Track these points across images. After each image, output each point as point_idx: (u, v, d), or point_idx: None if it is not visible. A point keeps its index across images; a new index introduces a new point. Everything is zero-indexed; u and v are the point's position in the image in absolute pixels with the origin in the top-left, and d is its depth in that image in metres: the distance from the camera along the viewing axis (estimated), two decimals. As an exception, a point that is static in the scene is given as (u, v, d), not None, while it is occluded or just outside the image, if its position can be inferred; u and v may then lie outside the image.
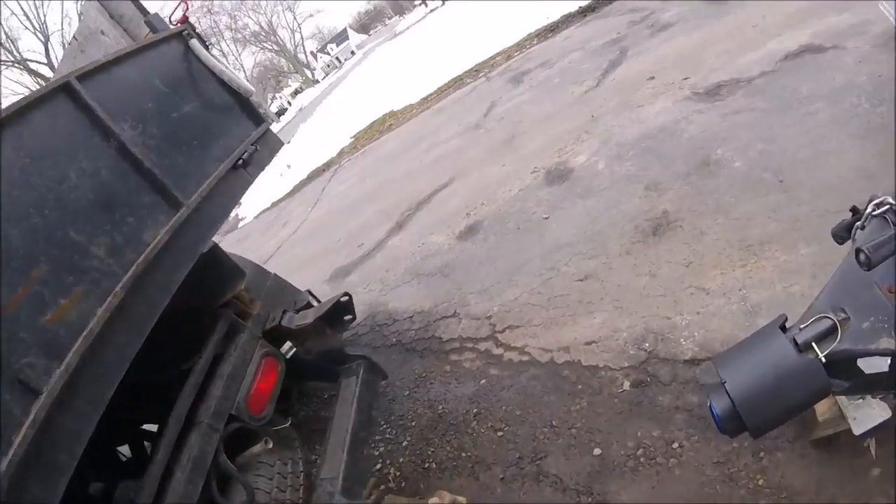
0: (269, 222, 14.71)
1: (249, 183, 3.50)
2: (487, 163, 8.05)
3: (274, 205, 16.38)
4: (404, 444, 3.99)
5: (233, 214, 16.81)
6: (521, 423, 3.77)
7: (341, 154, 16.22)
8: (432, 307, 5.37)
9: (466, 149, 9.27)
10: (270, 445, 3.25)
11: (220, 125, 3.44)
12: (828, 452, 2.70)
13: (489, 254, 5.79)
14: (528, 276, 5.06)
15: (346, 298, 3.91)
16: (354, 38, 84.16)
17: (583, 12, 13.01)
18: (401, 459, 3.87)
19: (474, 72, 14.21)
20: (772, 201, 4.27)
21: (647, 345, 3.75)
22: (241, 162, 3.33)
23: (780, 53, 6.04)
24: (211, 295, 3.45)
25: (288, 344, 3.70)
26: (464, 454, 3.77)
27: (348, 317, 4.07)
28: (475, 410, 4.02)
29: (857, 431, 2.19)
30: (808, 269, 3.59)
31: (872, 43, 5.08)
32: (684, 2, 9.50)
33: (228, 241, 13.66)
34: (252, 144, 3.49)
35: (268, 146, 3.78)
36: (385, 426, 4.20)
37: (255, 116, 3.70)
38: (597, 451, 3.34)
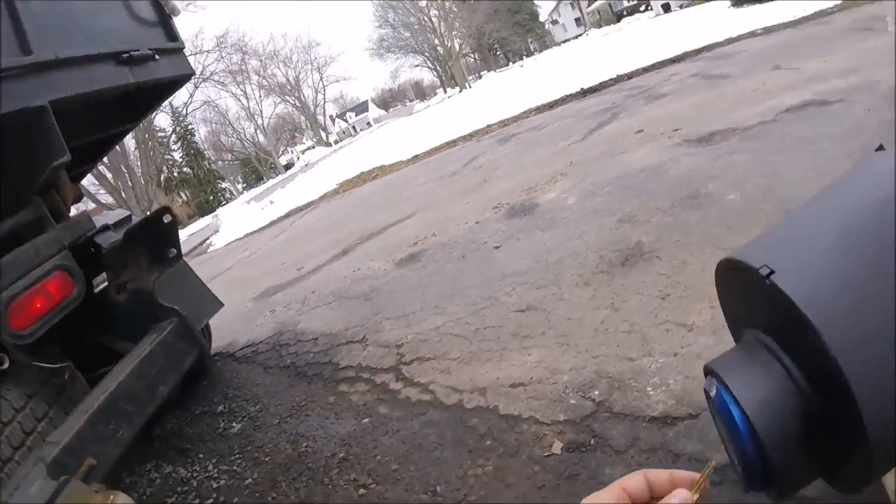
0: (234, 249, 14.11)
1: (127, 80, 2.89)
2: (452, 201, 7.10)
3: (247, 235, 15.85)
4: (247, 481, 2.95)
5: (205, 243, 17.26)
6: (394, 483, 2.48)
7: (323, 197, 15.76)
8: (342, 330, 4.38)
9: (436, 191, 8.46)
10: (5, 365, 2.38)
11: (128, 26, 3.05)
12: None
13: (423, 281, 4.69)
14: (458, 305, 3.89)
15: (167, 218, 2.94)
16: (374, 111, 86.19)
17: (584, 92, 12.67)
18: (235, 500, 2.85)
19: (468, 136, 13.90)
20: None
21: (595, 393, 2.45)
22: (126, 56, 2.84)
23: (782, 107, 5.39)
24: (28, 166, 2.60)
25: (103, 275, 3.02)
26: None
27: (172, 251, 3.13)
28: (342, 455, 2.81)
29: None
30: None
31: (882, 96, 4.67)
32: (683, 79, 9.23)
33: (191, 263, 12.75)
34: (151, 51, 3.01)
35: (172, 64, 3.28)
36: (237, 456, 3.22)
37: (172, 35, 3.26)
38: None
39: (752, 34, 11.13)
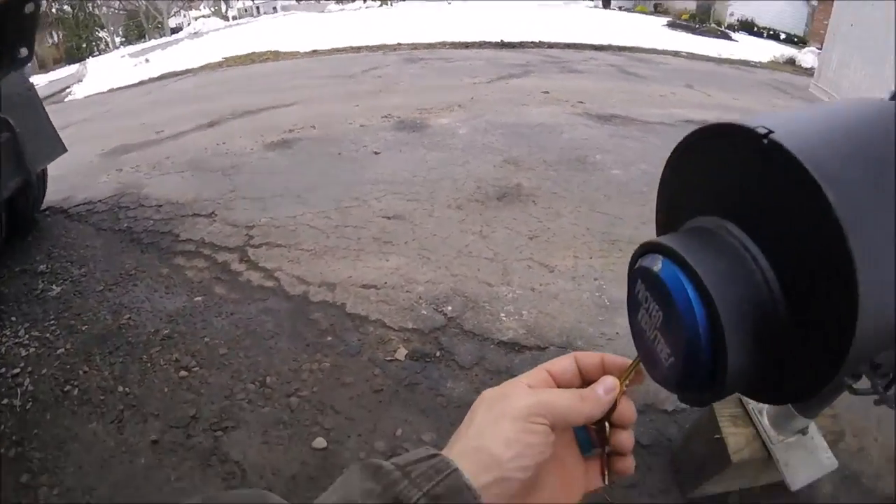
0: (94, 102, 12.03)
1: None
2: (342, 101, 6.56)
3: (111, 91, 13.71)
4: (59, 351, 2.46)
5: (64, 91, 14.35)
6: (220, 369, 2.18)
7: (205, 67, 13.96)
8: (190, 202, 3.81)
9: (327, 87, 7.79)
10: None
11: None
12: None
13: (290, 168, 4.26)
14: (322, 199, 3.55)
15: (30, 7, 2.25)
16: (284, -3, 78.15)
17: (502, 45, 12.34)
18: (43, 371, 2.35)
19: (375, 48, 12.96)
20: (649, 212, 3.09)
21: (448, 308, 2.31)
22: None
23: (683, 117, 5.59)
24: None
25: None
26: (121, 388, 2.15)
27: (23, 51, 2.45)
28: (167, 332, 2.42)
29: (794, 484, 1.36)
30: None
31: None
32: (600, 65, 9.31)
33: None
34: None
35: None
36: (52, 322, 2.66)
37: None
38: (319, 444, 1.84)
39: (677, 54, 11.59)
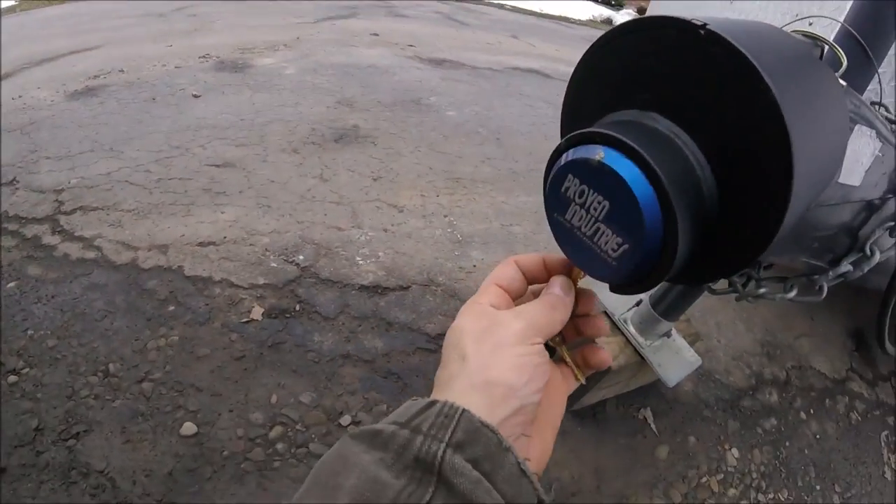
0: None
1: None
2: (152, 42, 5.67)
3: None
4: None
5: None
6: (53, 365, 1.78)
7: None
8: None
9: (135, 27, 6.64)
10: None
11: None
12: (597, 428, 1.71)
13: (99, 118, 3.58)
14: (139, 151, 3.06)
15: None
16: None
17: None
18: None
19: None
20: (487, 151, 3.38)
21: (300, 258, 2.13)
22: None
23: (510, 65, 5.67)
24: None
25: None
26: None
27: None
28: None
29: (670, 382, 1.48)
30: (530, 216, 2.56)
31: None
32: (427, 12, 9.05)
33: None
34: None
35: None
36: None
37: None
38: (188, 430, 1.61)
39: (501, 6, 11.67)
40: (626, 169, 0.39)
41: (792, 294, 0.92)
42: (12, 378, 1.74)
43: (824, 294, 0.91)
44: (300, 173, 2.78)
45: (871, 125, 0.77)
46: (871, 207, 0.89)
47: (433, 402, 0.35)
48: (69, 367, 1.78)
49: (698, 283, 0.49)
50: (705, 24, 0.40)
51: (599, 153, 0.40)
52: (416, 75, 4.75)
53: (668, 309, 1.38)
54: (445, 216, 2.47)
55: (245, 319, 1.89)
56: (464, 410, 0.35)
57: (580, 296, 0.47)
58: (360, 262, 2.10)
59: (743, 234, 0.41)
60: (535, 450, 0.42)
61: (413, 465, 0.32)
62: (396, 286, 2.00)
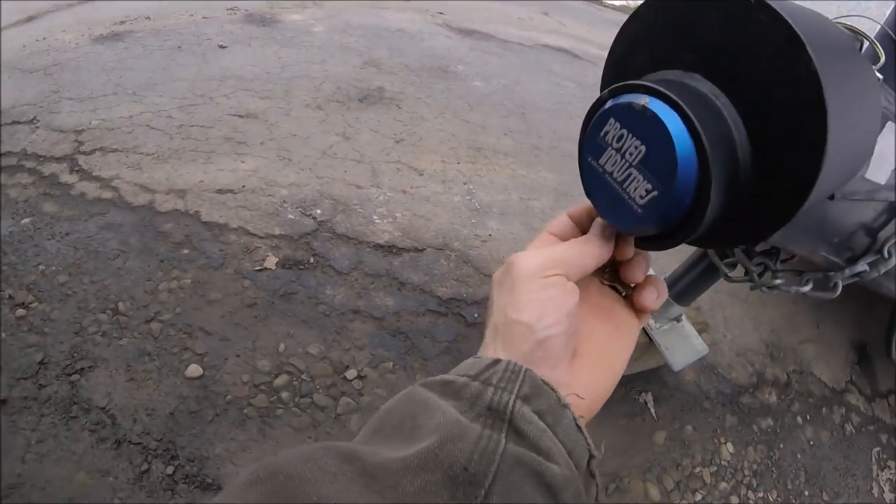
0: None
1: None
2: (177, -7, 5.56)
3: None
4: None
5: None
6: (63, 301, 1.80)
7: None
8: (7, 108, 3.03)
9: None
10: None
11: None
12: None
13: (123, 63, 3.56)
14: (162, 97, 3.05)
15: None
16: None
17: None
18: None
19: None
20: (511, 124, 3.34)
21: (317, 212, 2.12)
22: None
23: (540, 41, 5.46)
24: None
25: None
26: None
27: None
28: None
29: (675, 366, 1.49)
30: (549, 192, 2.54)
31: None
32: None
33: None
34: None
35: None
36: None
37: None
38: (194, 372, 1.62)
39: None
40: (668, 116, 0.40)
41: (807, 288, 0.93)
42: (20, 311, 1.77)
43: (839, 291, 0.92)
44: (323, 130, 2.76)
45: None
46: (893, 210, 0.88)
47: (498, 361, 0.37)
48: (78, 303, 1.80)
49: (721, 245, 0.51)
50: None
51: (644, 99, 0.42)
52: (445, 43, 4.66)
53: (682, 293, 1.37)
54: (465, 184, 2.44)
55: (259, 268, 1.89)
56: (527, 369, 0.37)
57: (620, 241, 0.47)
58: (377, 220, 2.09)
59: (771, 203, 0.42)
60: (579, 385, 0.42)
61: (486, 413, 0.34)
62: (411, 247, 1.99)
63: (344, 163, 2.46)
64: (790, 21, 0.39)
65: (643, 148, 0.42)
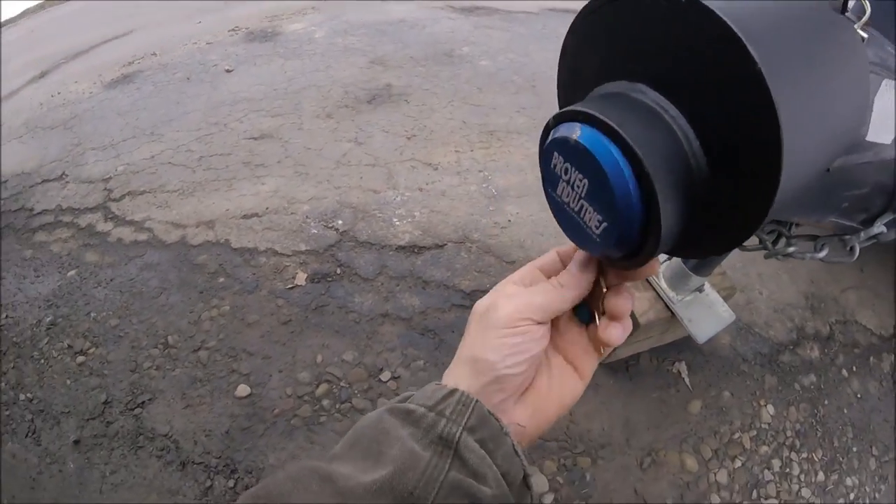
0: None
1: None
2: (182, 20, 5.82)
3: None
4: None
5: None
6: (117, 342, 1.96)
7: (25, 13, 11.65)
8: (36, 168, 3.25)
9: (163, 8, 6.81)
10: None
11: None
12: (629, 381, 1.72)
13: (137, 104, 3.74)
14: (179, 131, 3.19)
15: None
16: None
17: None
18: None
19: None
20: (522, 100, 3.34)
21: (339, 223, 2.20)
22: None
23: (547, 5, 5.35)
24: None
25: None
26: (23, 396, 1.88)
27: None
28: (50, 320, 2.11)
29: (700, 338, 1.46)
30: None
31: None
32: None
33: None
34: None
35: None
36: None
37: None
38: (242, 392, 1.74)
39: None
40: (599, 147, 0.39)
41: (822, 254, 0.90)
42: (80, 358, 1.92)
43: (856, 255, 0.89)
44: (335, 138, 2.83)
45: None
46: None
47: (454, 391, 0.44)
48: (131, 342, 1.94)
49: (699, 255, 0.49)
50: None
51: (576, 131, 0.41)
52: (447, 26, 4.64)
53: (700, 264, 1.36)
54: (480, 171, 2.47)
55: (290, 285, 1.98)
56: (477, 401, 0.43)
57: (609, 274, 0.50)
58: (397, 222, 2.15)
59: (738, 209, 0.41)
60: (523, 415, 0.49)
61: (437, 442, 0.41)
62: (432, 244, 2.05)
63: (359, 169, 2.53)
64: (722, 16, 0.36)
65: (585, 181, 0.42)
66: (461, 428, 0.42)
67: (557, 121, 0.43)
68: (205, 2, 6.69)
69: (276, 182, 2.51)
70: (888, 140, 0.74)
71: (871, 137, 0.71)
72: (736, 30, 0.35)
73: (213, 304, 1.99)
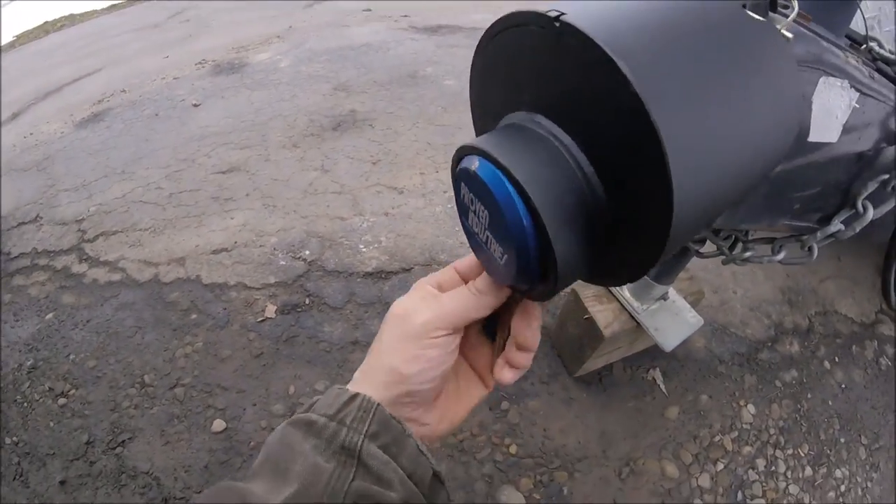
0: None
1: None
2: (150, 55, 5.83)
3: None
4: None
5: None
6: (95, 383, 1.99)
7: None
8: (11, 211, 3.27)
9: (131, 43, 6.86)
10: None
11: None
12: (603, 392, 1.74)
13: (107, 143, 3.75)
14: (149, 169, 3.21)
15: None
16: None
17: None
18: None
19: None
20: None
21: (306, 253, 2.25)
22: None
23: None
24: None
25: None
26: (9, 440, 1.92)
27: None
28: (31, 363, 2.14)
29: (667, 346, 1.44)
30: None
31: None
32: None
33: None
34: None
35: None
36: None
37: None
38: (218, 427, 1.78)
39: None
40: (495, 181, 0.39)
41: (780, 256, 0.88)
42: (62, 400, 1.94)
43: (815, 255, 0.87)
44: (302, 167, 2.88)
45: (842, 74, 0.68)
46: (862, 159, 0.80)
47: (355, 396, 0.45)
48: (110, 382, 1.96)
49: (613, 283, 0.48)
50: (561, 14, 0.38)
51: (475, 163, 0.41)
52: (411, 47, 4.71)
53: (661, 273, 1.36)
54: (445, 192, 2.52)
55: (260, 318, 2.02)
56: (378, 405, 0.44)
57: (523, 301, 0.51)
58: (363, 249, 2.20)
59: (640, 233, 0.40)
60: (433, 418, 0.50)
61: (340, 451, 0.42)
62: (399, 269, 2.10)
63: (325, 197, 2.58)
64: (596, 38, 0.35)
65: (486, 213, 0.42)
66: (362, 436, 0.43)
67: (460, 154, 0.44)
68: (171, 33, 6.75)
69: (244, 215, 2.55)
70: (833, 139, 0.71)
71: (813, 138, 0.68)
72: (610, 52, 0.34)
73: (186, 341, 2.02)
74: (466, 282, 0.51)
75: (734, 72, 0.40)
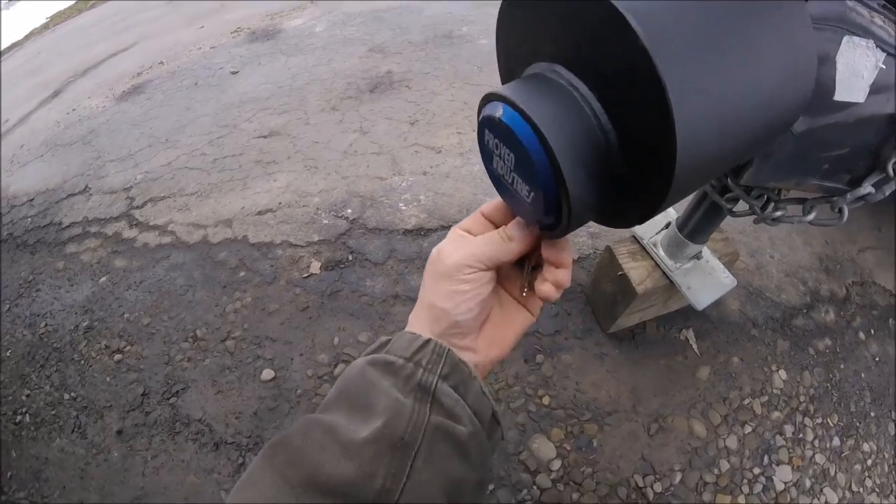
0: None
1: None
2: (184, 27, 5.95)
3: None
4: None
5: None
6: (150, 339, 2.12)
7: (30, 35, 11.89)
8: (60, 184, 3.44)
9: (165, 16, 6.97)
10: None
11: None
12: (636, 350, 1.74)
13: (149, 114, 3.88)
14: (192, 136, 3.32)
15: None
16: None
17: None
18: None
19: None
20: None
21: (348, 212, 2.31)
22: None
23: None
24: None
25: None
26: (67, 396, 2.07)
27: None
28: (86, 324, 2.28)
29: (699, 305, 1.43)
30: None
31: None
32: None
33: None
34: None
35: None
36: None
37: None
38: (267, 375, 1.88)
39: None
40: (518, 124, 0.43)
41: (811, 216, 0.89)
42: (118, 356, 2.08)
43: (845, 217, 0.87)
44: (341, 130, 2.94)
45: (867, 34, 0.68)
46: (894, 122, 0.78)
47: (427, 342, 0.50)
48: (163, 338, 2.09)
49: (624, 225, 0.52)
50: None
51: (499, 110, 0.44)
52: (445, 7, 4.65)
53: (694, 231, 1.34)
54: (482, 150, 2.55)
55: (306, 274, 2.10)
56: (448, 350, 0.50)
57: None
58: (403, 207, 2.25)
59: (649, 179, 0.43)
60: (483, 345, 0.56)
61: (416, 389, 0.47)
62: (438, 226, 2.14)
63: (365, 157, 2.63)
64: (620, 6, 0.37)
65: (512, 156, 0.46)
66: (437, 376, 0.48)
67: (484, 101, 0.48)
68: (203, 4, 6.81)
69: (287, 177, 2.63)
70: (860, 98, 0.71)
71: (839, 97, 0.69)
72: (619, 6, 0.37)
73: (236, 297, 2.12)
74: (493, 224, 0.56)
75: (743, 24, 0.42)
